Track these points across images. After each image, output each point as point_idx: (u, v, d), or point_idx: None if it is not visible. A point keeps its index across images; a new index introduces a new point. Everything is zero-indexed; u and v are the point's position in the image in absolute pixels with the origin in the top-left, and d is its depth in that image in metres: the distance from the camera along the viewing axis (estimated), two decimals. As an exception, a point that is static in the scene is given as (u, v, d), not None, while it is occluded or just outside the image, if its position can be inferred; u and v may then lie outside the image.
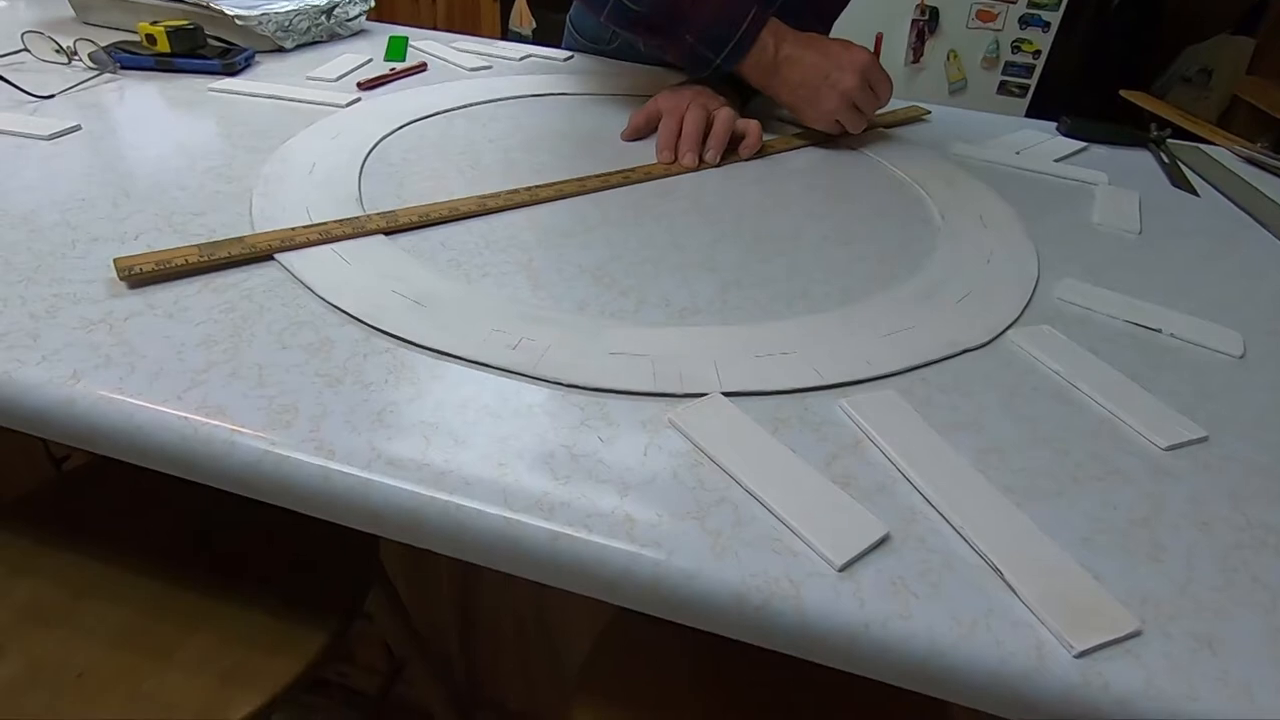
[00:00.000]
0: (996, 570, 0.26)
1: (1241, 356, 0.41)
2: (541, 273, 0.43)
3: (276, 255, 0.40)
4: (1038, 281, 0.47)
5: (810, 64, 0.59)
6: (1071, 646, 0.23)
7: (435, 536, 0.27)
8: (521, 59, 0.86)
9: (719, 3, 0.60)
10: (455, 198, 0.49)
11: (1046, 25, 2.07)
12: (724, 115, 0.60)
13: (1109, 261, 0.51)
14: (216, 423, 0.29)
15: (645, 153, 0.61)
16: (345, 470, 0.28)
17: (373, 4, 0.93)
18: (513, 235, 0.46)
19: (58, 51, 0.69)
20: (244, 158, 0.53)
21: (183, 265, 0.37)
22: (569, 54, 0.90)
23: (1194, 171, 0.71)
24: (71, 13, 0.86)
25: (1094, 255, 0.52)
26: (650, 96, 0.65)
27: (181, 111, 0.62)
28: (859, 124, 0.63)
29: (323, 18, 0.85)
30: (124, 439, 0.29)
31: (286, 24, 0.80)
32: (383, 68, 0.78)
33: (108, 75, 0.68)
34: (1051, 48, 3.26)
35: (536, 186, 0.51)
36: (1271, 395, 0.38)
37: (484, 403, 0.32)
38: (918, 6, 2.12)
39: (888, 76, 0.62)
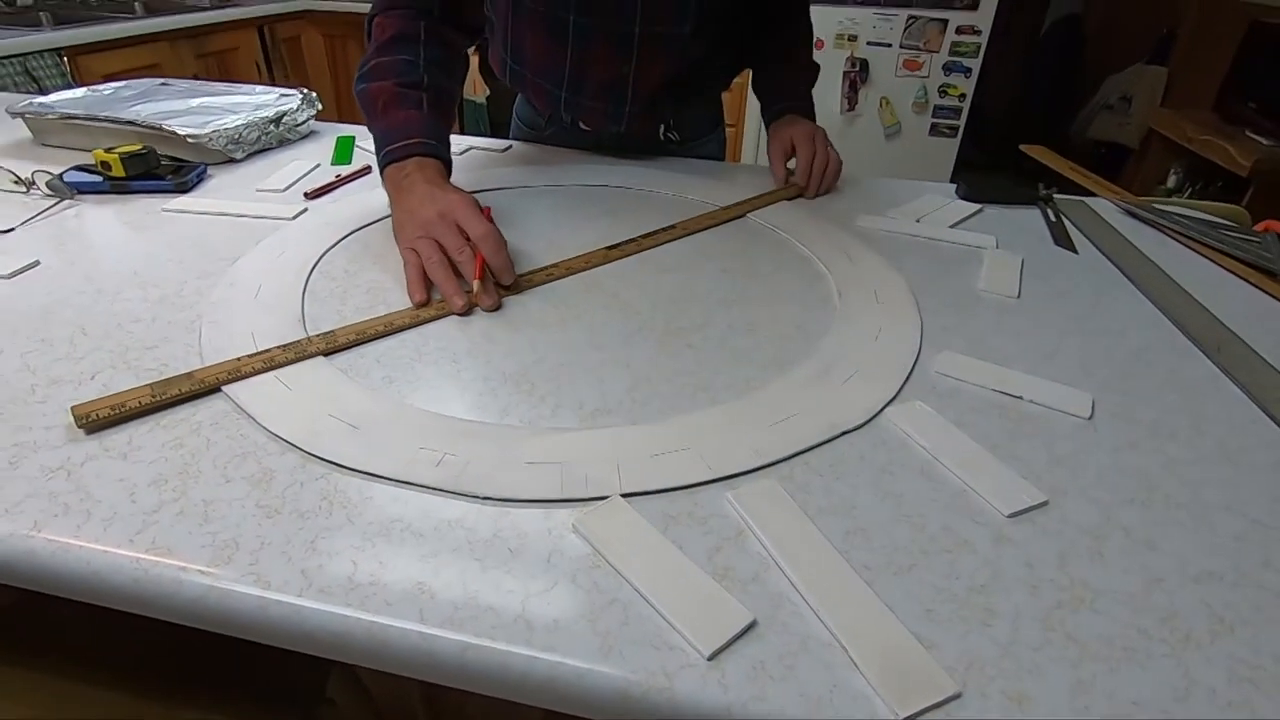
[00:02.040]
0: (843, 648, 0.30)
1: (1089, 418, 0.46)
2: (469, 383, 0.47)
3: (224, 387, 0.44)
4: (919, 356, 0.52)
5: (423, 209, 0.58)
6: (896, 713, 0.28)
7: (361, 653, 0.31)
8: (462, 153, 0.92)
9: (396, 118, 0.64)
10: (393, 310, 0.54)
11: (968, 71, 2.21)
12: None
13: (988, 329, 0.57)
14: (166, 562, 0.33)
15: (567, 248, 0.66)
16: (280, 599, 0.31)
17: (320, 107, 0.99)
18: (444, 345, 0.51)
19: (16, 182, 0.73)
20: (195, 283, 0.58)
21: (136, 407, 0.41)
22: (508, 144, 0.96)
23: (1077, 227, 0.79)
24: (29, 134, 0.90)
25: (975, 324, 0.58)
26: (582, 186, 0.70)
27: (137, 236, 0.66)
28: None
29: (271, 126, 0.91)
30: (80, 583, 0.33)
31: (236, 137, 0.85)
32: (329, 173, 0.83)
33: (66, 202, 0.72)
34: (986, 80, 3.44)
35: (467, 292, 0.56)
36: (1110, 456, 0.43)
37: (408, 522, 0.36)
38: (848, 59, 2.25)
39: (500, 256, 0.57)
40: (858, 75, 2.26)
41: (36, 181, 0.73)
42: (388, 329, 0.51)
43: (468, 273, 0.55)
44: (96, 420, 0.40)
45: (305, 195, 0.76)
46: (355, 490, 0.38)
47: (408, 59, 0.67)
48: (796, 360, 0.51)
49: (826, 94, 2.33)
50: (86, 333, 0.50)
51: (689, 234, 0.71)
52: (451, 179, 0.65)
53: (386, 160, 0.62)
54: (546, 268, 0.62)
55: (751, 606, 0.32)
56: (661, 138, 0.94)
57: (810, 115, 0.90)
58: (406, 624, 0.31)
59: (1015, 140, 3.57)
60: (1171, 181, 2.22)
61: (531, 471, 0.39)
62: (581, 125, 0.90)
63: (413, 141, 0.62)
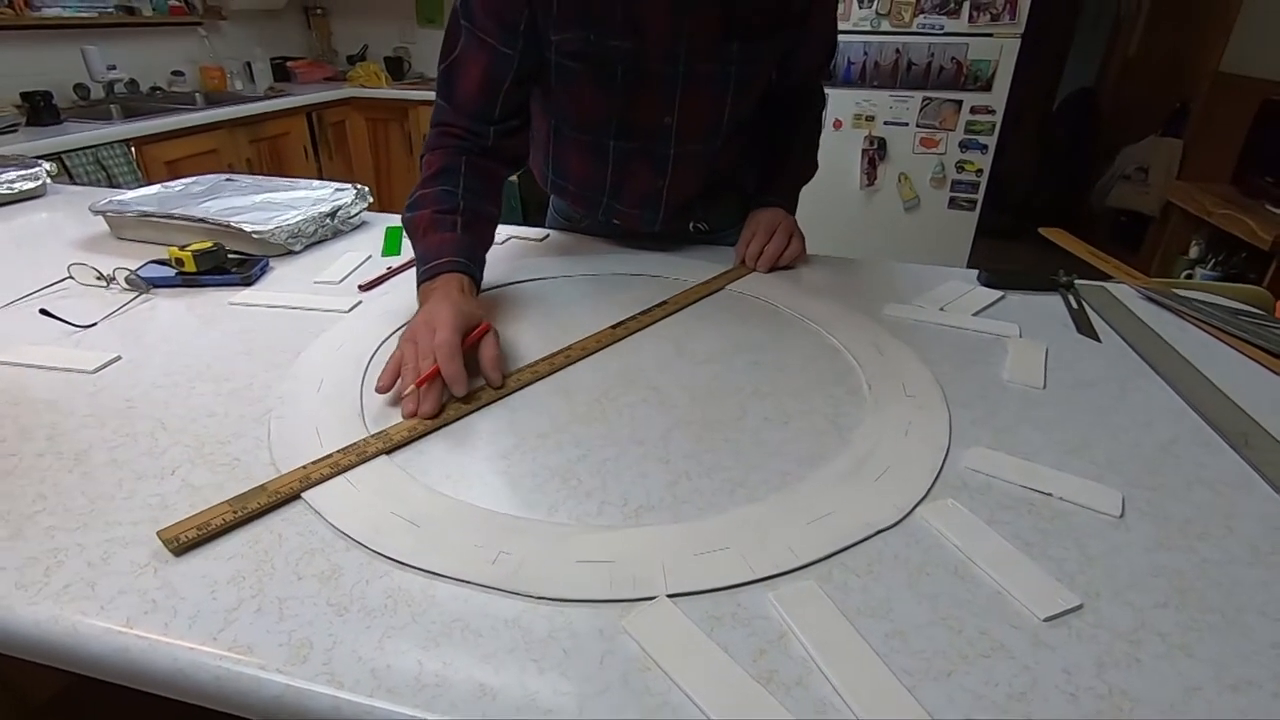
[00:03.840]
0: (888, 757, 0.31)
1: (1120, 516, 0.48)
2: (518, 479, 0.50)
3: (302, 494, 0.46)
4: (948, 451, 0.54)
5: (414, 324, 0.61)
6: (943, 829, 0.29)
7: (427, 754, 0.33)
8: (503, 241, 0.98)
9: (432, 240, 0.70)
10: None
11: (984, 147, 2.28)
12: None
13: (1015, 421, 0.59)
14: (246, 659, 0.35)
15: (585, 328, 0.70)
16: (353, 699, 0.34)
17: (371, 200, 1.06)
18: (491, 439, 0.54)
19: (98, 278, 0.79)
20: (263, 376, 0.62)
21: (221, 525, 0.43)
22: (545, 234, 1.02)
23: (1098, 314, 0.81)
24: (107, 229, 0.98)
25: (1002, 416, 0.59)
26: (609, 274, 0.75)
27: (208, 328, 0.71)
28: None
29: (328, 220, 0.97)
30: (167, 679, 0.35)
31: (296, 231, 0.92)
32: (380, 264, 0.89)
33: (142, 296, 0.78)
34: (1004, 153, 3.52)
35: (510, 374, 0.60)
36: (1142, 556, 0.44)
37: (468, 621, 0.38)
38: (866, 137, 2.34)
39: (453, 366, 0.57)
40: (876, 152, 2.34)
41: (116, 277, 0.79)
42: (438, 424, 0.55)
43: (414, 378, 0.55)
44: (184, 543, 0.42)
45: (359, 288, 0.81)
46: (419, 588, 0.40)
47: (448, 189, 0.73)
48: (830, 455, 0.53)
49: (847, 170, 2.41)
50: (166, 427, 0.54)
51: (681, 308, 0.77)
52: (489, 267, 0.71)
53: (421, 278, 0.68)
54: (563, 350, 0.66)
55: (796, 711, 0.33)
56: (691, 229, 0.99)
57: (786, 206, 0.94)
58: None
59: (1035, 208, 3.63)
60: (1194, 252, 2.23)
61: (581, 570, 0.41)
62: (615, 221, 0.96)
63: (443, 260, 0.67)
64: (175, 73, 2.65)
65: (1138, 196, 2.96)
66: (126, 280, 0.79)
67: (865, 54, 2.23)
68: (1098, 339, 0.75)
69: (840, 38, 2.29)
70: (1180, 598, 0.41)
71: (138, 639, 0.36)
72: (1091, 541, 0.45)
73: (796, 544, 0.44)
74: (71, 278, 0.80)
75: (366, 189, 1.05)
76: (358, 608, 0.39)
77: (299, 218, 0.93)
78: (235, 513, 0.44)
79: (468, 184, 0.73)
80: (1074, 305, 0.83)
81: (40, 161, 1.19)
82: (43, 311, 0.70)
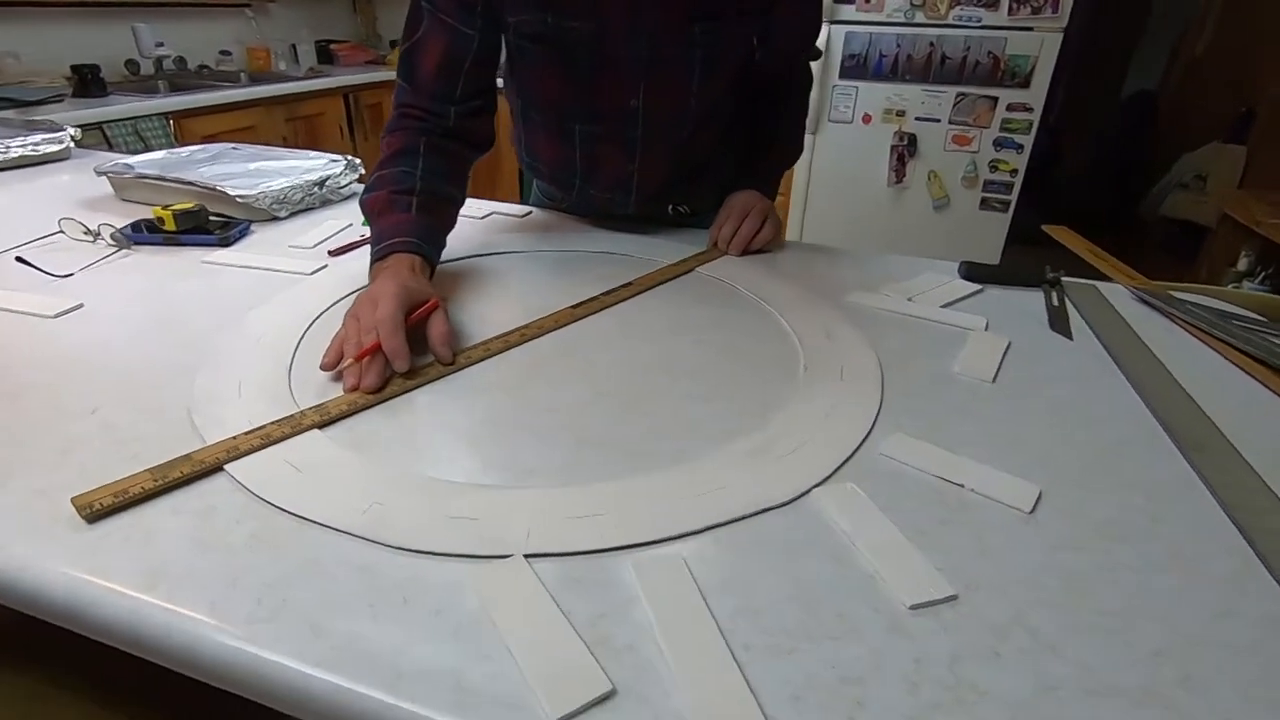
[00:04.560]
0: (694, 727, 0.30)
1: (1030, 512, 0.45)
2: (422, 441, 0.50)
3: (225, 466, 0.45)
4: (867, 436, 0.52)
5: (362, 295, 0.61)
6: (724, 800, 0.27)
7: (240, 683, 0.33)
8: (484, 217, 0.99)
9: (387, 221, 0.69)
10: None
11: (1020, 147, 2.19)
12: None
13: (952, 413, 0.56)
14: (97, 582, 0.36)
15: (547, 305, 0.69)
16: (187, 623, 0.34)
17: (362, 171, 1.08)
18: (429, 413, 0.54)
19: (85, 233, 0.83)
20: (211, 332, 0.63)
21: (140, 494, 0.42)
22: (528, 210, 1.02)
23: (1080, 313, 0.77)
24: (112, 191, 1.02)
25: (939, 407, 0.57)
26: (579, 251, 0.75)
27: (175, 285, 0.74)
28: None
29: (315, 189, 1.00)
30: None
31: (281, 197, 0.94)
32: (359, 233, 0.90)
33: (123, 251, 0.81)
34: (1058, 157, 3.37)
35: (462, 350, 0.61)
36: (1043, 554, 0.42)
37: (324, 565, 0.38)
38: (896, 133, 2.27)
39: (394, 340, 0.56)
40: (905, 149, 2.27)
41: (102, 233, 0.83)
42: (375, 400, 0.54)
43: (356, 352, 0.55)
44: (98, 510, 0.41)
45: (329, 253, 0.83)
46: (287, 530, 0.41)
47: (406, 170, 0.72)
48: (743, 433, 0.52)
49: (875, 167, 2.35)
50: (104, 371, 0.56)
51: (644, 290, 0.76)
52: (459, 239, 0.71)
53: (373, 258, 0.67)
54: (519, 328, 0.65)
55: (617, 676, 0.33)
56: (671, 213, 0.98)
57: (763, 189, 0.92)
58: (286, 660, 0.33)
59: (1086, 213, 3.48)
60: (1242, 264, 2.10)
61: (448, 525, 0.41)
62: (591, 203, 0.96)
63: (396, 240, 0.67)
64: (223, 52, 2.75)
65: (1194, 206, 2.81)
66: (111, 236, 0.82)
67: (898, 46, 2.16)
68: (1070, 336, 0.71)
69: (872, 29, 2.25)
70: (1071, 598, 0.39)
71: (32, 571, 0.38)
72: (992, 534, 0.43)
73: (673, 515, 0.43)
74: (62, 232, 0.84)
75: (359, 161, 1.07)
76: (222, 545, 0.39)
77: (285, 184, 0.95)
78: (155, 481, 0.43)
79: (427, 165, 0.73)
80: (1055, 302, 0.79)
81: (66, 127, 1.25)
82: (19, 259, 0.74)
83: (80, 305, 0.67)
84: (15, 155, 1.16)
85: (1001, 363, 0.64)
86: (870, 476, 0.48)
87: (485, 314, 0.69)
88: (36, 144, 1.19)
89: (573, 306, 0.70)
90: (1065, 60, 2.18)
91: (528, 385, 0.58)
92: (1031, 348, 0.68)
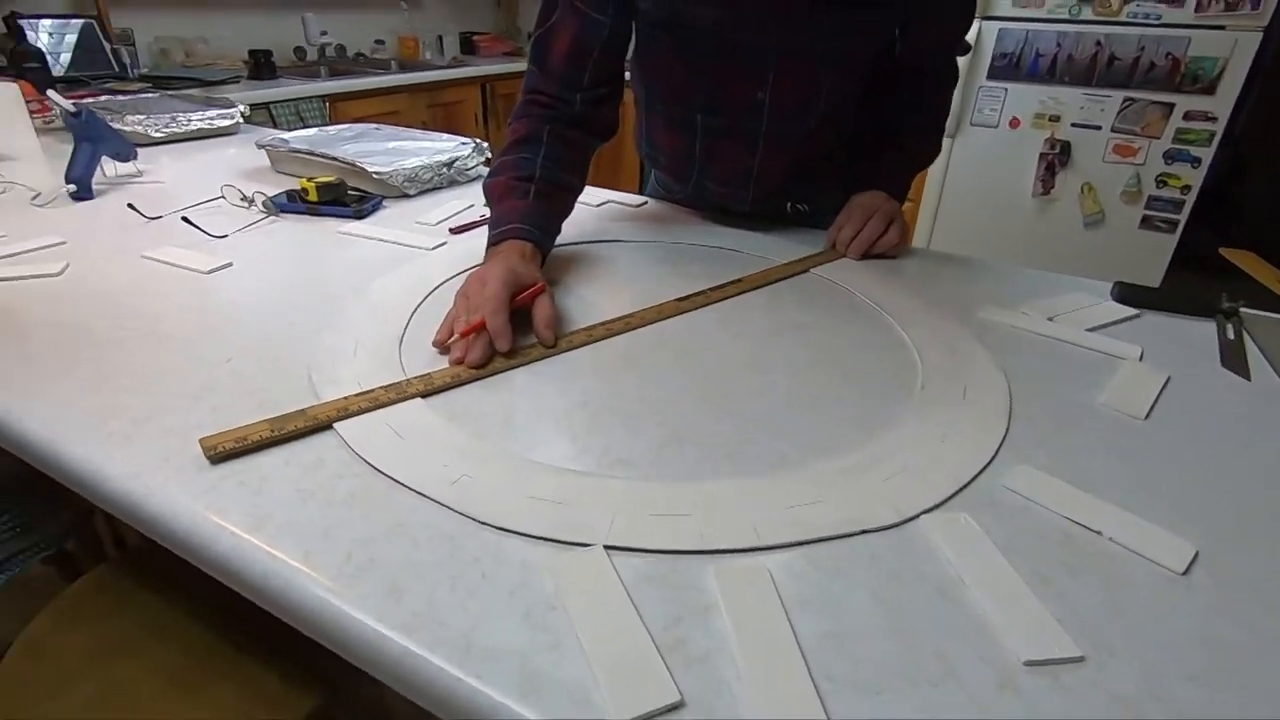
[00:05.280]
0: (764, 755, 0.28)
1: (1184, 573, 0.39)
2: (515, 417, 0.50)
3: (335, 425, 0.47)
4: (988, 465, 0.47)
5: (472, 276, 0.63)
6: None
7: (324, 633, 0.34)
8: (600, 205, 0.99)
9: (505, 206, 0.71)
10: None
11: (1196, 161, 1.95)
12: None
13: (1092, 449, 0.50)
14: (214, 519, 0.39)
15: (653, 296, 0.68)
16: (283, 567, 0.36)
17: (489, 155, 1.11)
18: (524, 391, 0.55)
19: (241, 199, 0.90)
20: (337, 296, 0.67)
21: (258, 441, 0.45)
22: (643, 200, 1.02)
23: (1262, 350, 0.66)
24: (269, 163, 1.11)
25: (1076, 441, 0.51)
26: (691, 244, 0.73)
27: (312, 251, 0.79)
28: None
29: (444, 169, 1.04)
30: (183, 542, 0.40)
31: (413, 176, 0.99)
32: (479, 214, 0.93)
33: (271, 217, 0.88)
34: (1244, 167, 2.97)
35: (564, 335, 0.61)
36: (1192, 622, 0.36)
37: (410, 528, 0.39)
38: (1047, 140, 2.08)
39: (497, 319, 0.57)
40: (1057, 158, 2.08)
41: (255, 200, 0.90)
42: (474, 376, 0.54)
43: (463, 329, 0.57)
44: (221, 453, 0.44)
45: (450, 230, 0.86)
46: (381, 490, 0.42)
47: (527, 157, 0.73)
48: (844, 446, 0.49)
49: (1019, 175, 2.17)
50: (239, 324, 0.61)
51: (754, 287, 0.73)
52: (574, 225, 0.73)
53: (490, 242, 0.69)
54: (623, 317, 0.64)
55: (686, 687, 0.31)
56: (789, 210, 0.94)
57: (891, 190, 0.86)
58: (366, 617, 0.34)
59: (1271, 240, 3.05)
60: None
61: (531, 505, 0.41)
62: (708, 196, 0.94)
63: (510, 227, 0.68)
64: (378, 41, 2.95)
65: None
66: (262, 203, 0.89)
67: (1058, 45, 1.97)
68: (1247, 376, 0.62)
69: (1029, 26, 2.07)
70: (1221, 675, 0.33)
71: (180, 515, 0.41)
72: (1132, 593, 0.38)
73: (763, 525, 0.40)
74: (223, 197, 0.92)
75: (486, 145, 1.11)
76: (323, 498, 0.41)
77: (417, 164, 1.00)
78: (272, 431, 0.46)
79: (549, 153, 0.74)
80: (1230, 335, 0.68)
81: (237, 104, 1.38)
82: (184, 219, 0.81)
83: (230, 264, 0.73)
84: (194, 128, 1.29)
85: (1158, 398, 0.57)
86: (988, 510, 0.43)
87: (591, 300, 0.69)
88: (211, 119, 1.32)
89: (679, 299, 0.69)
90: (1261, 64, 1.91)
91: (625, 374, 0.57)
92: (1197, 384, 0.60)
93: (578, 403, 0.52)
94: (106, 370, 0.54)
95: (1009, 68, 2.04)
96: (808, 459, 0.47)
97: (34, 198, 0.92)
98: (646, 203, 1.01)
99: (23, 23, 1.86)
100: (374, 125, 1.23)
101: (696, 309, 0.68)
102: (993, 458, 0.48)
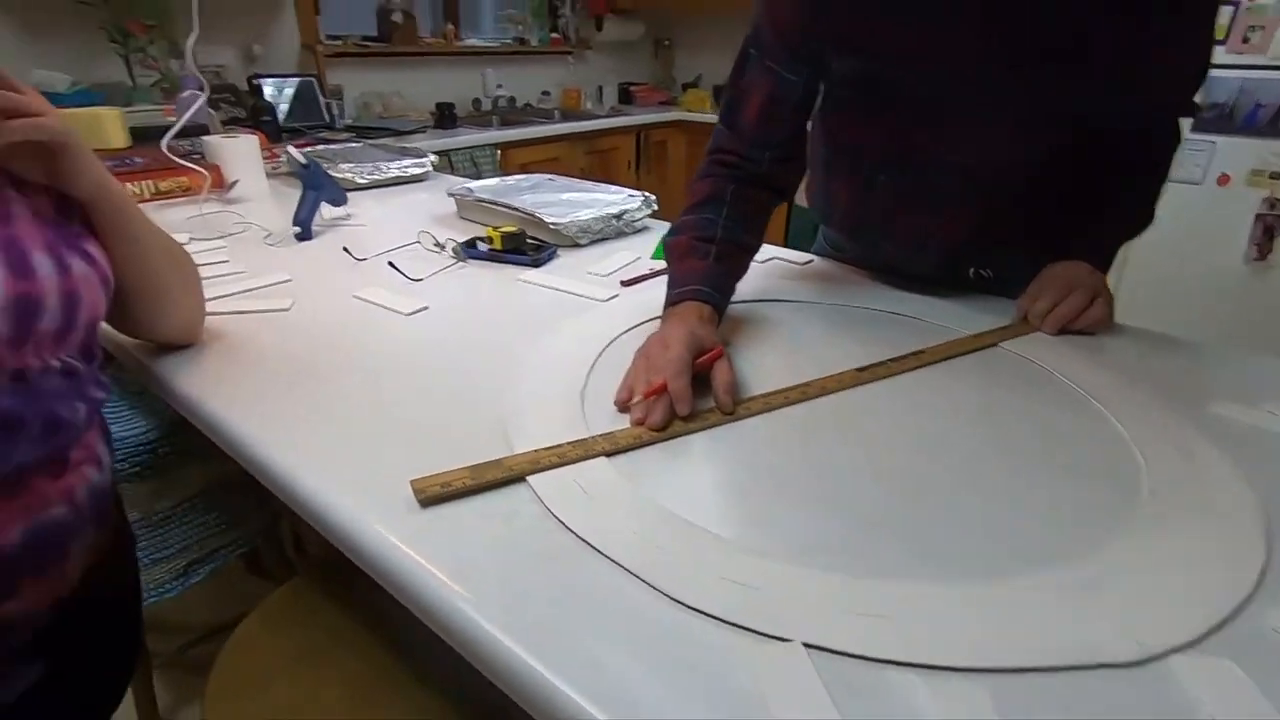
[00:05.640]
0: None
1: None
2: (700, 489, 0.50)
3: (528, 478, 0.49)
4: (1249, 599, 0.40)
5: (649, 342, 0.64)
6: None
7: (522, 695, 0.35)
8: (765, 261, 0.99)
9: (684, 266, 0.72)
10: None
11: None
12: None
13: (1385, 593, 0.42)
14: (461, 594, 0.41)
15: (828, 363, 0.66)
16: (484, 623, 0.37)
17: (656, 208, 1.15)
18: (705, 457, 0.54)
19: (435, 245, 0.99)
20: (521, 343, 0.71)
21: (459, 488, 0.47)
22: (809, 259, 1.00)
23: None
24: (455, 209, 1.21)
25: (1362, 580, 0.42)
26: (865, 308, 0.71)
27: (496, 297, 0.84)
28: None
29: (613, 220, 1.08)
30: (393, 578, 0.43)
31: (585, 226, 1.04)
32: (647, 266, 0.96)
33: (459, 262, 0.95)
34: None
35: (742, 401, 0.60)
36: None
37: (604, 598, 0.39)
38: (1265, 200, 1.83)
39: (679, 383, 0.57)
40: (1276, 220, 1.82)
41: (446, 246, 0.98)
42: (654, 440, 0.55)
43: (644, 389, 0.57)
44: (429, 497, 0.47)
45: (621, 283, 0.89)
46: (570, 550, 0.43)
47: (710, 217, 0.74)
48: (1059, 555, 0.44)
49: (1229, 238, 1.92)
50: (438, 370, 0.66)
51: (938, 360, 0.69)
52: (741, 282, 0.73)
53: (668, 302, 0.70)
54: (800, 385, 0.62)
55: (909, 827, 0.28)
56: (971, 276, 0.89)
57: (1094, 261, 0.78)
58: (559, 681, 0.34)
59: None
60: None
61: (723, 587, 0.40)
62: (884, 257, 0.91)
63: (689, 288, 0.69)
64: (544, 92, 3.17)
65: None
66: (452, 249, 0.97)
67: (1285, 96, 1.75)
68: None
69: (1245, 74, 1.84)
70: None
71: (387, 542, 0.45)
72: None
73: (976, 641, 0.37)
74: (418, 242, 1.01)
75: (653, 197, 1.14)
76: (518, 552, 0.42)
77: (590, 216, 1.04)
78: (473, 479, 0.48)
79: (731, 213, 0.74)
80: None
81: (427, 154, 1.52)
82: (390, 264, 0.90)
83: (426, 307, 0.80)
84: (392, 175, 1.44)
85: None
86: (1255, 656, 0.37)
87: (764, 364, 0.68)
88: (406, 167, 1.47)
89: (857, 370, 0.66)
90: None
91: (807, 448, 0.55)
92: None
93: (760, 475, 0.51)
94: (328, 404, 0.59)
95: (1219, 120, 1.82)
96: (1021, 566, 0.43)
97: (266, 237, 1.06)
98: (812, 261, 1.00)
99: (259, 81, 2.17)
100: (548, 176, 1.31)
101: (877, 380, 0.65)
102: (1254, 590, 0.41)
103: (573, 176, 2.49)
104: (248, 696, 0.59)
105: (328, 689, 0.60)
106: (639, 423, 0.56)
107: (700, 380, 0.60)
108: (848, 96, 0.77)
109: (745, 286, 0.86)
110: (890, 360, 0.68)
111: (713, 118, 3.03)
